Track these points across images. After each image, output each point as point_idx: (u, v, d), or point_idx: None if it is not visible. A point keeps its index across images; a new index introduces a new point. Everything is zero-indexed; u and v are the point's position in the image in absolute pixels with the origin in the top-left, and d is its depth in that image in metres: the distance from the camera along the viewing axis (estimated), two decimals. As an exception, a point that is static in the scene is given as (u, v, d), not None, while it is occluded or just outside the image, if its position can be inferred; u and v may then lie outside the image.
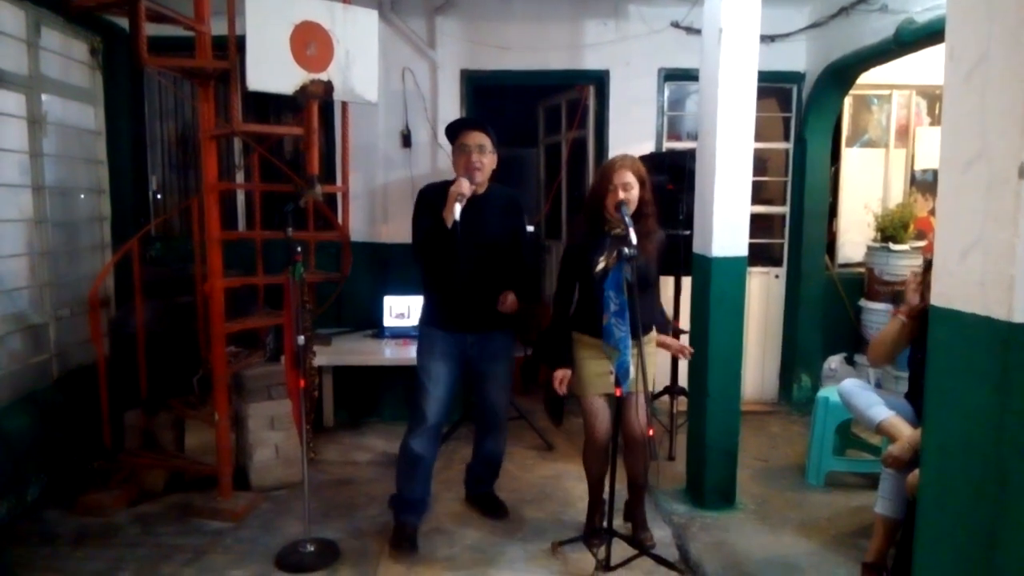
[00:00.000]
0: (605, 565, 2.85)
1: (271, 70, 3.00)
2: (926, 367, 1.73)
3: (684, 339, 4.07)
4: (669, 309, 4.30)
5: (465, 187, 2.94)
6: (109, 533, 3.23)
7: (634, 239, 2.63)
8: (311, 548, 3.03)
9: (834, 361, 4.83)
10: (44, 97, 3.73)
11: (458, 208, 2.87)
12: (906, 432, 2.74)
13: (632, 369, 2.72)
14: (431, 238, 2.98)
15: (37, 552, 3.05)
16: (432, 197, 3.08)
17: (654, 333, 3.09)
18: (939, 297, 1.68)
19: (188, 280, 3.86)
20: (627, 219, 2.71)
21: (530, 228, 4.31)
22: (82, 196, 4.17)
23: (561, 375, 2.96)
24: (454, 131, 3.15)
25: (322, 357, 4.06)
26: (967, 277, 1.60)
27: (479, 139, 3.07)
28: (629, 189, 2.85)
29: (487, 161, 3.09)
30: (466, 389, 3.44)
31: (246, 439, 3.69)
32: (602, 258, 2.79)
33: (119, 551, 3.07)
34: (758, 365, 4.97)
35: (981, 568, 1.59)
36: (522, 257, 3.32)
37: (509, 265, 3.20)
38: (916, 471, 2.49)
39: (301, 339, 2.97)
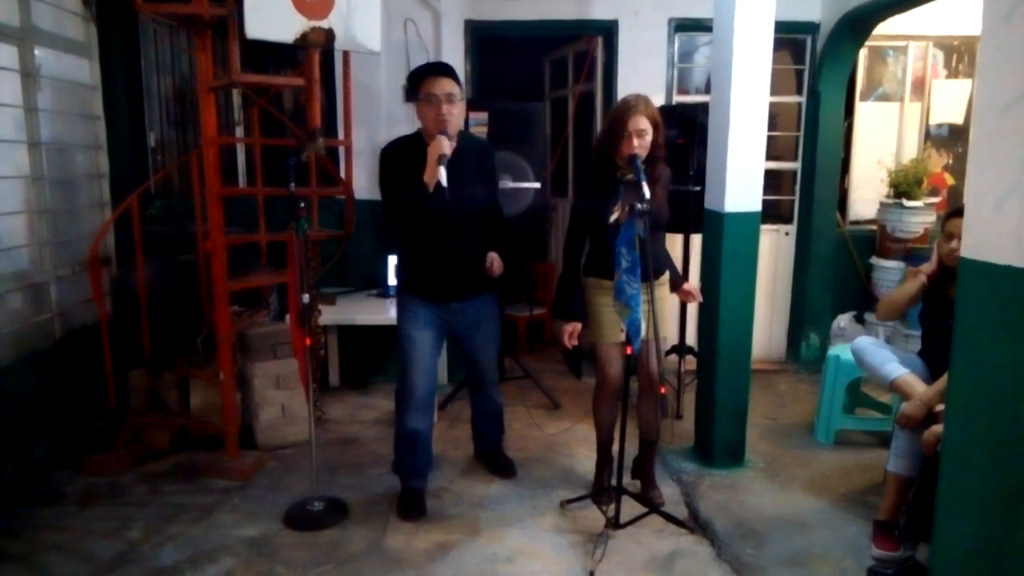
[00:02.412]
0: (614, 523, 2.84)
1: (270, 17, 2.89)
2: (954, 321, 1.67)
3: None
4: (678, 267, 4.23)
5: (446, 146, 2.69)
6: (116, 492, 3.23)
7: (647, 193, 2.56)
8: (319, 506, 3.03)
9: (843, 319, 4.79)
10: (37, 50, 3.62)
11: (443, 171, 2.65)
12: (920, 390, 2.70)
13: (644, 325, 2.67)
14: (413, 206, 2.77)
15: (43, 512, 3.05)
16: (400, 157, 2.84)
17: (666, 276, 3.03)
18: (970, 249, 1.62)
19: (189, 238, 3.79)
20: (641, 173, 2.63)
21: (536, 185, 4.24)
22: (79, 155, 4.08)
23: (570, 329, 2.90)
24: (419, 78, 2.83)
25: (327, 316, 4.01)
26: (1001, 227, 1.53)
27: (448, 87, 2.77)
28: (643, 136, 2.75)
29: (457, 112, 2.80)
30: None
31: (252, 398, 3.67)
32: (616, 207, 2.70)
33: (126, 510, 3.07)
34: (766, 323, 4.92)
35: (1006, 527, 1.56)
36: (499, 209, 3.16)
37: (489, 221, 3.04)
38: (932, 428, 2.46)
39: (306, 297, 2.92)
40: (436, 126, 2.76)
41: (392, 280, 4.58)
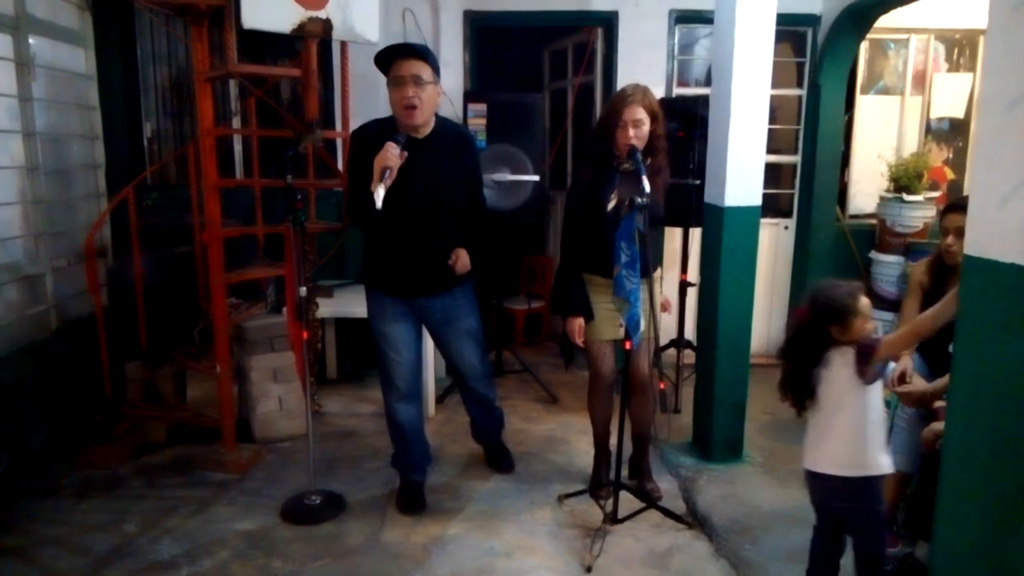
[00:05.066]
0: (612, 517, 2.83)
1: (267, 7, 2.85)
2: (957, 318, 1.66)
3: (692, 292, 4.04)
4: (677, 260, 4.23)
5: (392, 158, 2.51)
6: (113, 485, 3.22)
7: (647, 187, 2.54)
8: (317, 500, 3.02)
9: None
10: (32, 39, 3.59)
11: (380, 192, 2.47)
12: (919, 386, 2.69)
13: (643, 321, 2.65)
14: (361, 208, 2.62)
15: (40, 505, 3.04)
16: (367, 144, 2.62)
17: (660, 271, 3.02)
18: (973, 246, 1.60)
19: (186, 230, 3.77)
20: (641, 165, 2.61)
21: (535, 177, 4.21)
22: (75, 145, 4.05)
23: (576, 327, 2.87)
24: (385, 61, 2.63)
25: (325, 309, 4.00)
26: (1006, 225, 1.51)
27: (415, 68, 2.57)
28: (639, 126, 2.73)
29: (427, 96, 2.60)
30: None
31: (249, 391, 3.66)
32: (613, 195, 2.68)
33: (123, 503, 3.06)
34: (765, 317, 4.90)
35: (1008, 526, 1.55)
36: (477, 203, 2.99)
37: (461, 214, 2.87)
38: (932, 425, 2.45)
39: (303, 290, 2.90)
40: (402, 111, 2.62)
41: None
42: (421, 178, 2.67)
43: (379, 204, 2.48)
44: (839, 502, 2.23)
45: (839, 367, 2.14)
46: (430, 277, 2.85)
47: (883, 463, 2.15)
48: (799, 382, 2.21)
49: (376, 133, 2.67)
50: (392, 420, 3.03)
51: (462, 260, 2.85)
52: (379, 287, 2.89)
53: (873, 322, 2.22)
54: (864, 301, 2.15)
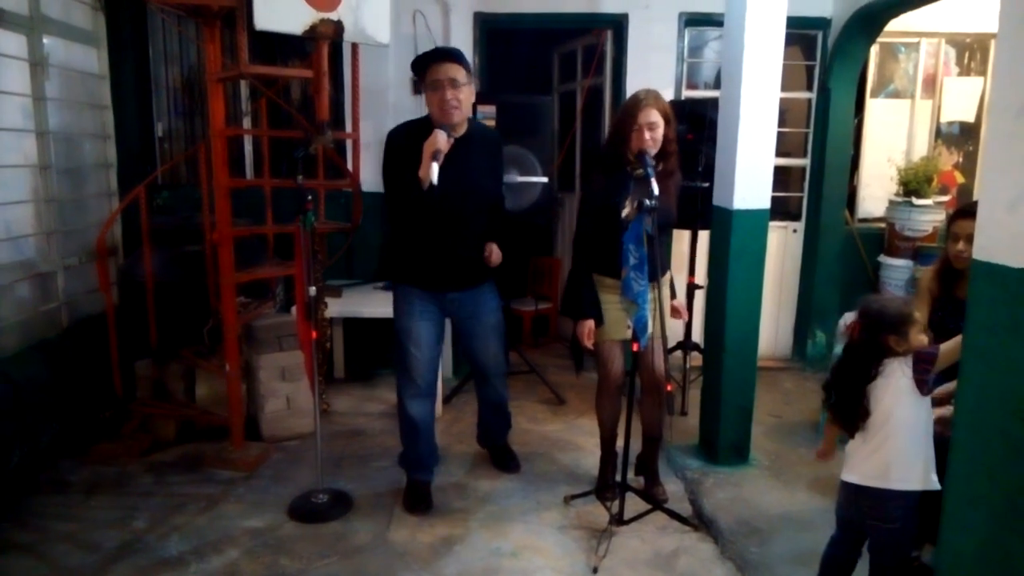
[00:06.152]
0: (618, 519, 2.84)
1: (280, 9, 2.88)
2: (965, 323, 1.66)
3: (699, 295, 4.03)
4: (685, 263, 4.23)
5: (442, 141, 2.60)
6: (122, 482, 3.24)
7: (656, 190, 2.54)
8: (324, 498, 3.04)
9: (850, 317, 4.74)
10: (46, 39, 3.62)
11: (435, 168, 2.55)
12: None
13: (651, 323, 2.66)
14: (407, 200, 2.72)
15: (50, 500, 3.06)
16: (403, 144, 2.74)
17: (668, 276, 3.03)
18: (982, 251, 1.61)
19: (196, 229, 3.79)
20: (649, 168, 2.62)
21: (544, 179, 4.23)
22: (87, 145, 4.08)
23: (586, 329, 2.88)
24: (422, 65, 2.76)
25: (333, 308, 4.02)
26: (1015, 230, 1.52)
27: (451, 71, 2.69)
28: (654, 128, 2.75)
29: (464, 97, 2.73)
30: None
31: (257, 390, 3.68)
32: (628, 201, 2.69)
33: (132, 500, 3.08)
34: (773, 320, 4.90)
35: (1015, 530, 1.55)
36: (503, 201, 3.15)
37: (491, 211, 3.00)
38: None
39: (313, 290, 2.92)
40: (441, 112, 2.71)
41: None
42: (459, 173, 2.74)
43: (435, 179, 2.54)
44: (883, 521, 2.13)
45: (896, 377, 2.09)
46: (465, 270, 2.95)
47: (933, 479, 2.07)
48: (852, 404, 2.14)
49: (411, 133, 2.76)
50: (405, 415, 3.05)
51: (496, 253, 2.98)
52: (412, 282, 2.96)
53: (928, 333, 2.18)
54: (918, 312, 2.12)
